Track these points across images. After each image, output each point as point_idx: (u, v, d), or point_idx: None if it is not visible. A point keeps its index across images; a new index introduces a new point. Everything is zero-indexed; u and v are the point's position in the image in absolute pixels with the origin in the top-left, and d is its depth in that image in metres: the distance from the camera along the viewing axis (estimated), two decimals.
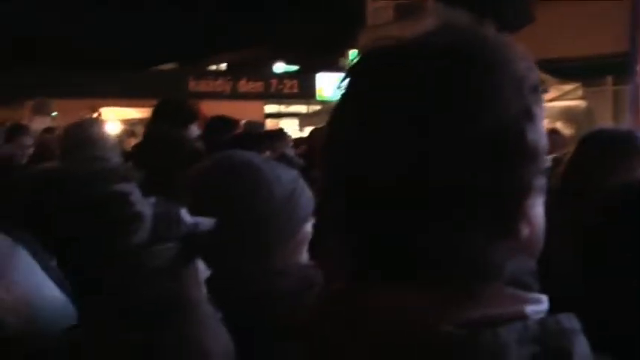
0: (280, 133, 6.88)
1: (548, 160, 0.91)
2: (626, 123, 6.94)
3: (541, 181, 0.87)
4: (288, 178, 2.06)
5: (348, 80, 0.89)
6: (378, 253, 0.85)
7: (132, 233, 1.57)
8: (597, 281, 1.69)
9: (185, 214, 1.67)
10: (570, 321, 0.83)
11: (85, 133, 3.56)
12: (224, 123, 5.66)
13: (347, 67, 0.92)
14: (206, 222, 1.68)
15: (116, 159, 3.69)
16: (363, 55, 0.91)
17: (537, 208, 0.88)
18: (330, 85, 25.81)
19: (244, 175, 1.99)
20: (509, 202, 0.83)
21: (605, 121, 11.14)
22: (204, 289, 1.65)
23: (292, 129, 17.91)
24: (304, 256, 2.14)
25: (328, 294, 0.91)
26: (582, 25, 12.41)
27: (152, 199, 1.67)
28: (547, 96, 12.43)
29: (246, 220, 1.86)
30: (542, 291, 0.88)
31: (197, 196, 1.90)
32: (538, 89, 0.87)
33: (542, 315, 0.83)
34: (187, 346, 1.47)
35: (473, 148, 0.80)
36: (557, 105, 13.10)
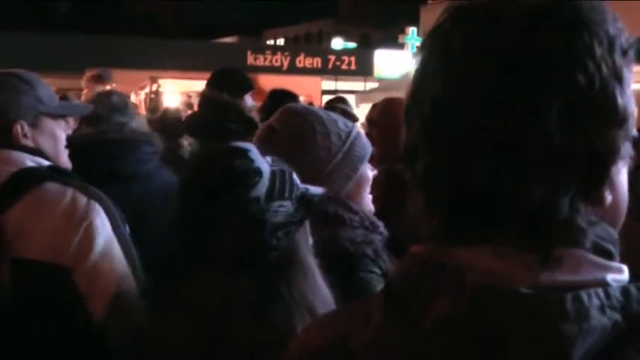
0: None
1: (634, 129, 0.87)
2: None
3: (628, 148, 0.85)
4: (344, 122, 2.27)
5: (435, 40, 0.89)
6: (470, 210, 0.84)
7: (251, 187, 1.63)
8: None
9: (296, 177, 1.74)
10: None
11: (112, 101, 3.67)
12: (285, 95, 5.63)
13: (435, 25, 0.90)
14: (316, 190, 1.76)
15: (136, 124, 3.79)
16: (452, 14, 0.89)
17: (622, 176, 0.87)
18: (387, 62, 25.68)
19: (304, 118, 2.23)
20: (597, 166, 0.82)
21: None
22: (311, 247, 1.74)
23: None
24: (367, 201, 2.29)
25: (414, 254, 0.90)
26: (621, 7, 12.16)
27: (269, 158, 1.73)
28: None
29: (307, 158, 2.02)
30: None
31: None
32: (629, 52, 0.85)
33: (623, 284, 0.81)
34: (296, 301, 1.60)
35: (566, 107, 0.79)
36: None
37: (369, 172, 2.28)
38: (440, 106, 0.84)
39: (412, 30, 25.57)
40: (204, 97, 4.87)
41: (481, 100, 0.81)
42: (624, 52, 0.84)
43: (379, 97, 4.49)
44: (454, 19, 0.88)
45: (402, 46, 26.28)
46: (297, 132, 2.19)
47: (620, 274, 0.83)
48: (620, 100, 0.82)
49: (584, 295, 0.78)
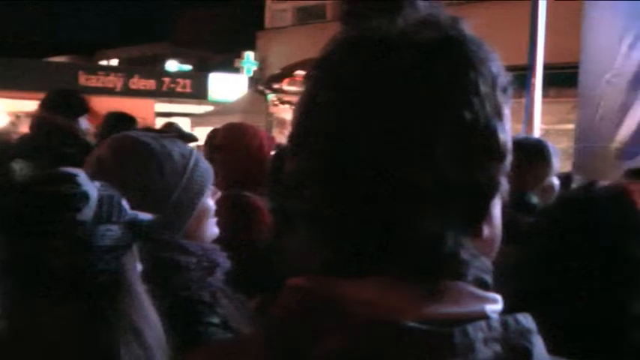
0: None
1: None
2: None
3: (505, 183, 0.88)
4: (181, 153, 2.13)
5: (325, 69, 0.88)
6: (356, 243, 0.83)
7: (78, 210, 1.59)
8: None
9: (125, 203, 1.71)
10: (528, 320, 0.84)
11: None
12: (122, 118, 5.50)
13: (323, 55, 0.90)
14: (146, 215, 1.73)
15: None
16: (341, 44, 0.89)
17: (498, 209, 0.89)
18: (222, 85, 25.66)
19: (134, 153, 2.08)
20: (480, 201, 0.84)
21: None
22: (139, 273, 1.72)
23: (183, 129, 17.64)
24: (210, 232, 2.21)
25: (294, 287, 0.88)
26: (485, 35, 12.69)
27: (97, 183, 1.69)
28: None
29: (139, 197, 1.87)
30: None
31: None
32: (508, 90, 0.88)
33: (497, 314, 0.84)
34: (123, 325, 1.58)
35: (452, 143, 0.81)
36: None
37: (210, 202, 2.21)
38: (331, 137, 0.84)
39: (248, 54, 25.66)
40: (36, 118, 4.70)
41: (372, 133, 0.81)
42: (504, 90, 0.87)
43: (215, 121, 4.50)
44: (344, 50, 0.88)
45: (237, 69, 26.33)
46: (128, 172, 2.05)
47: (495, 305, 0.85)
48: (501, 136, 0.84)
49: (470, 328, 0.79)
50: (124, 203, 1.70)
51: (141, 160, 2.08)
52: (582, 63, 10.61)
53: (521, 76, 8.73)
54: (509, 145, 0.87)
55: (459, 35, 0.87)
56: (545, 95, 8.58)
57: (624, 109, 10.55)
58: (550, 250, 1.77)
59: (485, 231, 0.87)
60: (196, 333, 1.96)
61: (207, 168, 2.19)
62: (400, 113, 0.81)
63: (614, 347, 1.65)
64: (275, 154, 3.81)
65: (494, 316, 0.83)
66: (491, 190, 0.86)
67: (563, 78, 10.75)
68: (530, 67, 7.85)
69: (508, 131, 0.87)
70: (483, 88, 0.84)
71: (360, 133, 0.82)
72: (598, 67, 10.73)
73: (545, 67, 8.94)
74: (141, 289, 1.69)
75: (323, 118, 0.85)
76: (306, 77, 0.91)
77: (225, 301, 2.09)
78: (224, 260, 2.15)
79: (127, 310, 1.61)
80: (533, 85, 7.72)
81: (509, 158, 0.87)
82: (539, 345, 0.83)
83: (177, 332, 1.71)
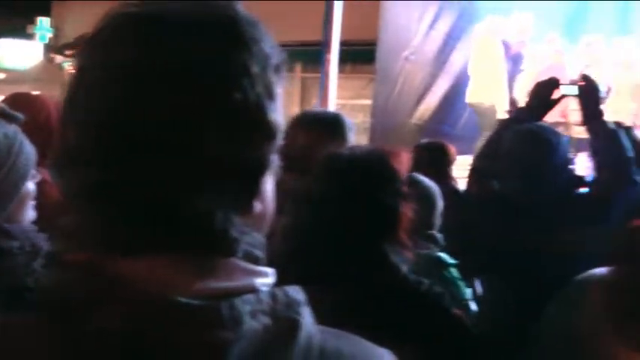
0: None
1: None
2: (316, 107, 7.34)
3: (275, 160, 0.90)
4: (4, 133, 2.05)
5: (96, 45, 0.87)
6: (133, 222, 0.83)
7: None
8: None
9: None
10: (297, 292, 0.88)
11: None
12: None
13: (92, 32, 0.88)
14: None
15: None
16: (114, 20, 0.87)
17: (269, 185, 0.92)
18: (13, 52, 24.36)
19: None
20: (250, 179, 0.87)
21: (293, 108, 11.62)
22: None
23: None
24: (29, 216, 2.14)
25: (70, 263, 0.87)
26: (276, 11, 12.78)
27: None
28: None
29: None
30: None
31: None
32: (280, 69, 0.89)
33: (269, 287, 0.87)
34: None
35: (222, 123, 0.82)
36: None
37: (31, 186, 2.13)
38: (100, 117, 0.83)
39: (42, 20, 24.48)
40: None
41: (141, 113, 0.82)
42: (276, 70, 0.88)
43: (5, 90, 4.18)
44: (116, 27, 0.87)
45: (31, 36, 25.10)
46: None
47: (266, 278, 0.87)
48: (272, 116, 0.86)
49: (237, 301, 0.81)
50: None
51: None
52: (380, 40, 10.94)
53: (317, 52, 8.91)
54: (280, 124, 0.88)
55: (230, 15, 0.87)
56: (341, 71, 8.78)
57: (425, 87, 10.99)
58: (316, 204, 1.97)
59: (257, 207, 0.89)
60: None
61: (31, 150, 2.11)
62: (168, 93, 0.81)
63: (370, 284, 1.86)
64: None
65: (264, 289, 0.85)
66: (262, 168, 0.88)
67: (360, 54, 10.99)
68: (324, 44, 7.96)
69: (279, 110, 0.89)
70: (254, 69, 0.85)
71: (129, 113, 0.82)
72: (397, 45, 11.10)
73: (343, 43, 9.13)
74: None
75: (92, 97, 0.84)
76: (76, 53, 0.90)
77: None
78: (45, 243, 2.05)
79: None
80: (328, 60, 7.82)
81: (280, 137, 0.89)
82: (307, 316, 0.86)
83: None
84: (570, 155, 3.28)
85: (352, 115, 12.09)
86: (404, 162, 2.01)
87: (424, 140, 4.85)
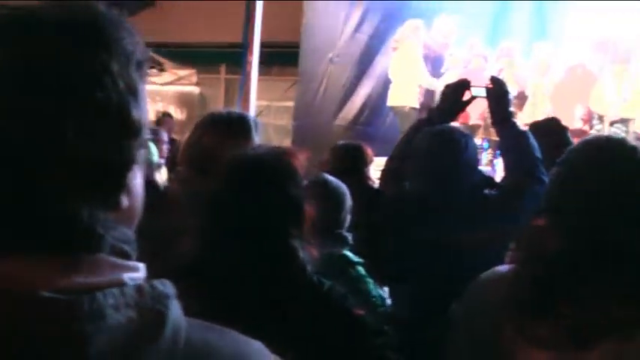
0: None
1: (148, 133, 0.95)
2: (237, 110, 7.25)
3: (142, 155, 0.91)
4: None
5: None
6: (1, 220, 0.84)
7: None
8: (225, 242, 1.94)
9: None
10: (165, 286, 0.88)
11: None
12: None
13: None
14: None
15: None
16: None
17: (137, 180, 0.92)
18: None
19: None
20: (113, 174, 0.87)
21: (217, 108, 11.55)
22: None
23: None
24: None
25: None
26: (203, 12, 12.64)
27: None
28: (162, 80, 12.55)
29: None
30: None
31: None
32: (143, 66, 0.90)
33: (139, 282, 0.87)
34: None
35: (84, 121, 0.82)
36: (172, 89, 13.31)
37: None
38: None
39: None
40: None
41: (4, 115, 0.82)
42: (139, 67, 0.89)
43: None
44: None
45: None
46: None
47: (135, 272, 0.88)
48: (134, 113, 0.87)
49: (99, 295, 0.82)
50: None
51: None
52: (304, 42, 10.92)
53: (240, 54, 8.87)
54: (145, 119, 0.90)
55: (90, 15, 0.88)
56: (266, 73, 8.78)
57: (349, 89, 11.00)
58: (222, 204, 1.99)
59: (125, 202, 0.89)
60: None
61: None
62: (28, 95, 0.82)
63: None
64: None
65: (131, 283, 0.85)
66: (128, 164, 0.88)
67: (285, 56, 10.98)
68: (245, 45, 7.94)
69: (144, 107, 0.90)
70: (115, 67, 0.85)
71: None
72: (321, 47, 11.10)
73: (268, 45, 9.11)
74: None
75: None
76: None
77: None
78: None
79: None
80: (250, 62, 7.82)
81: (145, 133, 0.90)
82: (175, 309, 0.87)
83: None
84: (479, 156, 3.33)
85: (276, 116, 12.09)
86: (302, 161, 2.02)
87: (341, 141, 4.86)
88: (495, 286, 1.84)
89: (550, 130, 3.94)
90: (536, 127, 3.89)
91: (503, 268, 1.92)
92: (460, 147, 3.01)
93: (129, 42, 0.89)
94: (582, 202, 1.72)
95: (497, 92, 3.25)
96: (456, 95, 3.37)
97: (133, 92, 0.88)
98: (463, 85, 3.39)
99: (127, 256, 0.89)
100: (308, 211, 1.97)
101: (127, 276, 0.86)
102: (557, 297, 1.69)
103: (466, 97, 3.38)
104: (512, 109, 3.28)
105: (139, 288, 0.86)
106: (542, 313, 1.69)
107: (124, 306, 0.83)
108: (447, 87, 3.49)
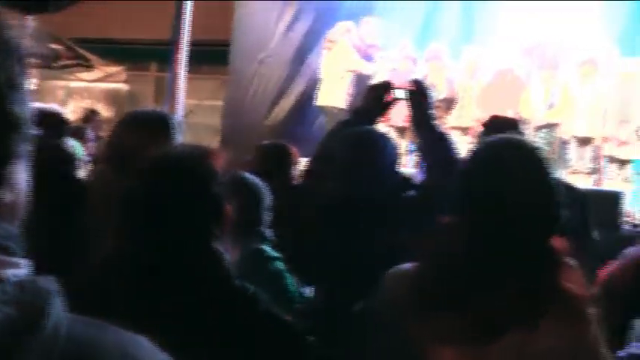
0: None
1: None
2: (165, 108, 7.19)
3: (25, 149, 0.89)
4: None
5: None
6: None
7: None
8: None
9: None
10: (48, 282, 0.87)
11: None
12: None
13: None
14: None
15: None
16: None
17: (21, 174, 0.90)
18: None
19: None
20: None
21: (146, 106, 11.41)
22: None
23: None
24: None
25: None
26: (132, 9, 12.49)
27: None
28: (91, 77, 12.37)
29: None
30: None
31: None
32: (23, 59, 0.88)
33: (21, 278, 0.85)
34: None
35: None
36: (101, 86, 13.15)
37: None
38: None
39: None
40: None
41: None
42: (20, 61, 0.87)
43: None
44: None
45: None
46: None
47: (17, 269, 0.85)
48: (16, 107, 0.85)
49: None
50: None
51: None
52: (234, 41, 10.87)
53: (170, 51, 8.79)
54: (27, 113, 0.88)
55: None
56: (196, 71, 8.72)
57: (280, 89, 10.96)
58: (142, 204, 1.96)
59: (7, 197, 0.88)
60: None
61: None
62: None
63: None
64: None
65: (12, 279, 0.84)
66: (7, 158, 0.86)
67: (215, 55, 10.92)
68: (173, 43, 7.87)
69: (25, 100, 0.88)
70: None
71: None
72: (252, 46, 11.05)
73: (198, 43, 9.04)
74: None
75: None
76: None
77: None
78: None
79: None
80: (177, 60, 7.75)
81: (27, 127, 0.88)
82: (57, 305, 0.85)
83: None
84: (401, 158, 3.36)
85: (206, 116, 11.99)
86: (221, 160, 2.02)
87: (266, 141, 4.87)
88: (400, 282, 1.89)
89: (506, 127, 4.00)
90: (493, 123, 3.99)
91: (407, 265, 1.97)
92: (378, 148, 3.04)
93: (11, 35, 0.87)
94: (484, 201, 1.78)
95: (418, 94, 3.29)
96: (377, 96, 3.40)
97: (13, 85, 0.86)
98: (385, 86, 3.41)
99: (9, 252, 0.87)
100: (228, 212, 1.96)
101: (9, 272, 0.85)
102: (461, 292, 1.74)
103: (388, 98, 3.40)
104: (433, 111, 3.31)
105: (20, 284, 0.84)
106: (448, 307, 1.74)
107: (1, 302, 0.82)
108: (369, 88, 3.51)
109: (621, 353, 1.71)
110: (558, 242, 1.84)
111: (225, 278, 1.90)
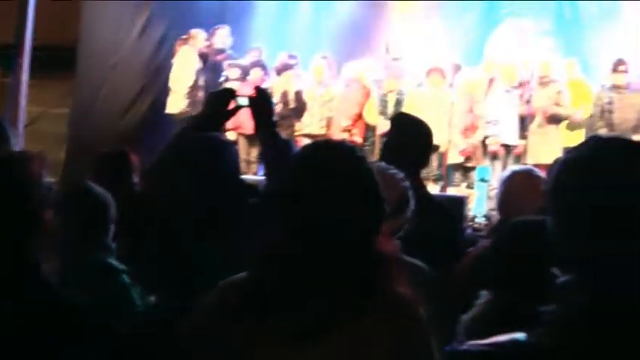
0: None
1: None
2: (5, 116, 6.93)
3: None
4: None
5: None
6: None
7: None
8: None
9: None
10: None
11: None
12: None
13: None
14: None
15: None
16: None
17: None
18: None
19: None
20: None
21: None
22: None
23: None
24: None
25: None
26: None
27: None
28: None
29: None
30: None
31: None
32: None
33: None
34: None
35: None
36: None
37: None
38: None
39: None
40: None
41: None
42: None
43: None
44: None
45: None
46: None
47: None
48: None
49: None
50: None
51: None
52: (82, 45, 10.57)
53: (14, 55, 8.47)
54: None
55: None
56: (41, 77, 8.42)
57: (131, 96, 10.68)
58: None
59: None
60: None
61: None
62: None
63: None
64: None
65: None
66: None
67: (64, 60, 10.61)
68: (16, 47, 7.61)
69: None
70: None
71: None
72: (102, 51, 10.78)
73: (43, 47, 8.76)
74: None
75: None
76: None
77: None
78: None
79: None
80: (20, 65, 7.49)
81: None
82: None
83: None
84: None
85: (51, 124, 11.55)
86: (41, 166, 1.96)
87: (105, 149, 4.80)
88: (230, 291, 1.89)
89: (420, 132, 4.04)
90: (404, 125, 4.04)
91: (240, 276, 1.98)
92: (218, 155, 3.03)
93: None
94: (302, 205, 1.79)
95: (260, 101, 3.31)
96: (220, 103, 3.39)
97: None
98: (227, 93, 3.41)
99: None
100: (48, 220, 1.89)
101: None
102: (284, 295, 1.76)
103: (232, 106, 3.40)
104: (275, 118, 3.35)
105: None
106: (272, 311, 1.75)
107: None
108: (211, 94, 3.50)
109: (447, 348, 1.76)
110: (387, 243, 1.88)
111: (43, 290, 1.83)
